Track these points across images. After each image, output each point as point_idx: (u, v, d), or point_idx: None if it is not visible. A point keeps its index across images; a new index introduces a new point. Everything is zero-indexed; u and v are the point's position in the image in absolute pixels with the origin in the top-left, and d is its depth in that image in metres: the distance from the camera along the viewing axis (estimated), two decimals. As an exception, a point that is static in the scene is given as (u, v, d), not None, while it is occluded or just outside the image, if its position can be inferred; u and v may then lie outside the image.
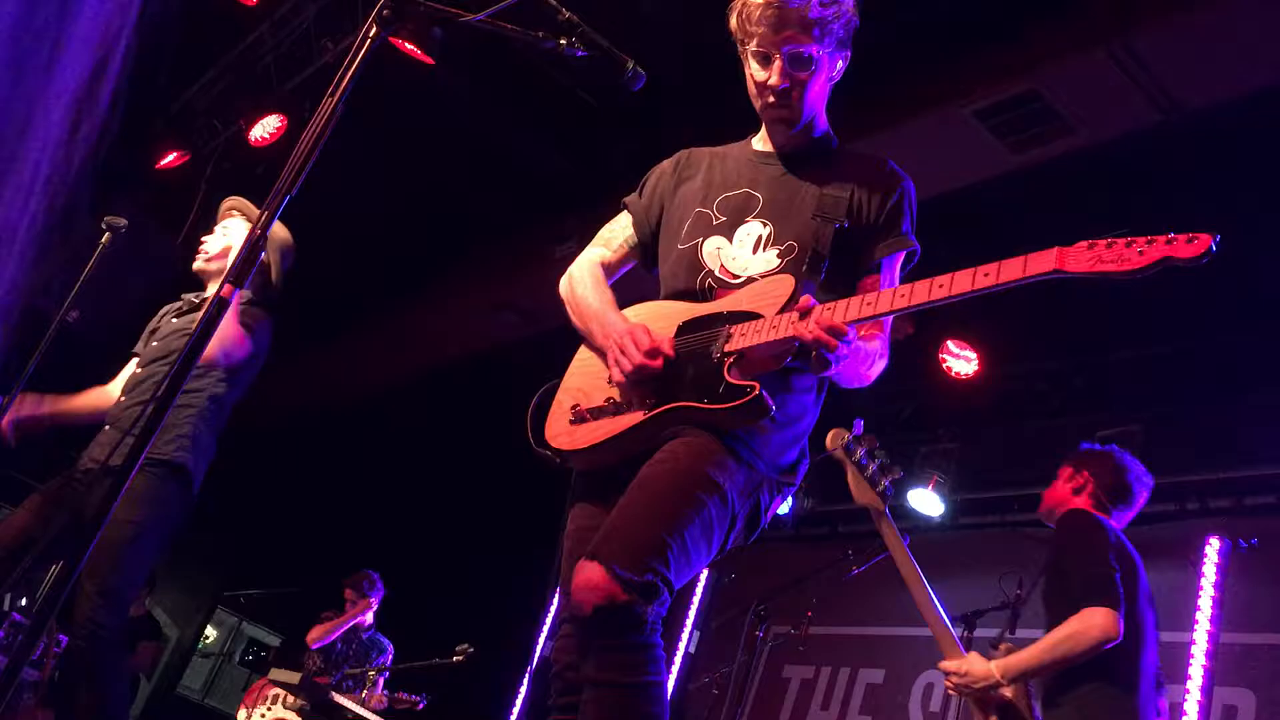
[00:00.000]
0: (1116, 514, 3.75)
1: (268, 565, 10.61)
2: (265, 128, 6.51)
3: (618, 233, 2.57)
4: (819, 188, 2.33)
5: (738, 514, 2.17)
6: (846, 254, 2.26)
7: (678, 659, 7.31)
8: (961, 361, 6.28)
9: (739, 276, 2.28)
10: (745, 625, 4.70)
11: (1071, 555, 3.52)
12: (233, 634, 12.07)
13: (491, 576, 8.41)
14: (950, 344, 6.32)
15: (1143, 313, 5.71)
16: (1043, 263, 1.83)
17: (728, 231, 2.34)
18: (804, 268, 2.23)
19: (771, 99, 2.33)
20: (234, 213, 4.02)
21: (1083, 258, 1.82)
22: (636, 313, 2.38)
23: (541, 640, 7.38)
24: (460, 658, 5.70)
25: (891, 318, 2.10)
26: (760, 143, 2.48)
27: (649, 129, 5.81)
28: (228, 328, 3.47)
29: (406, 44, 5.15)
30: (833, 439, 3.12)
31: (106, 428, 3.64)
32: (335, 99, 1.89)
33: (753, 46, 2.31)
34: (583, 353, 2.43)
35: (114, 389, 3.87)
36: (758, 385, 2.07)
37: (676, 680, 6.98)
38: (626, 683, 1.95)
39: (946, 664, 3.37)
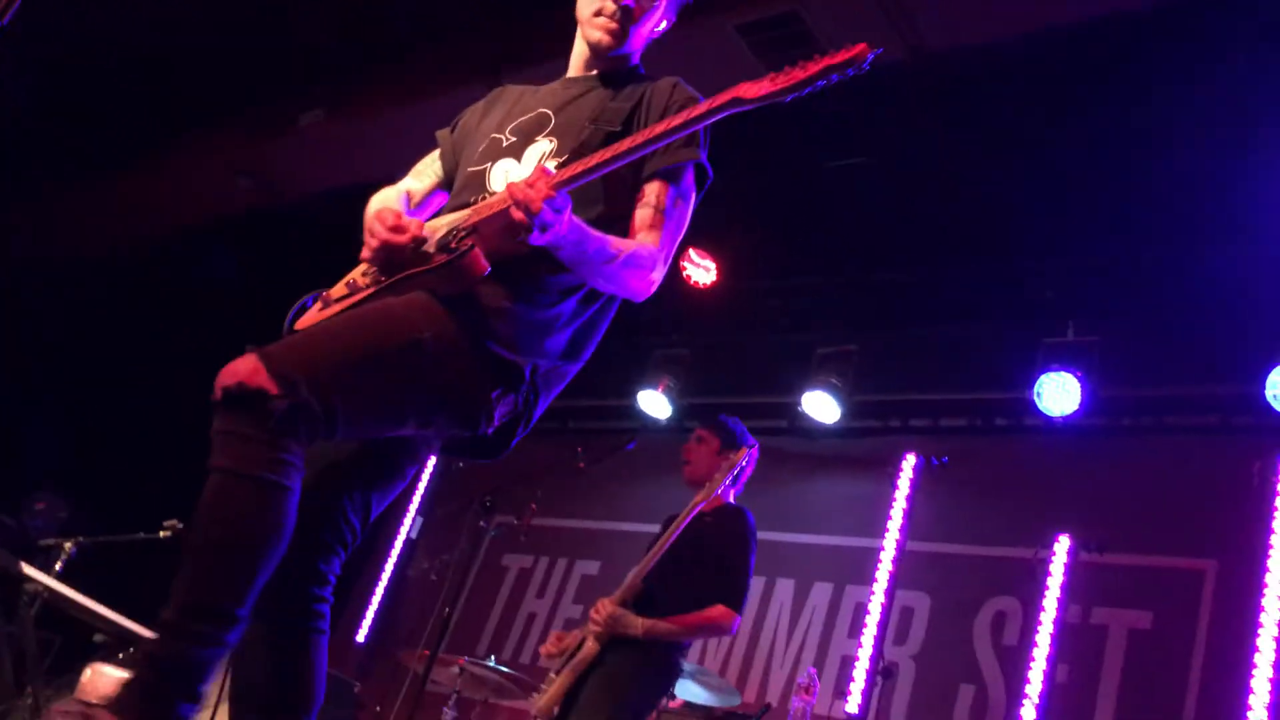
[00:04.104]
0: None
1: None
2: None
3: (426, 166, 2.50)
4: (610, 99, 2.31)
5: (447, 383, 2.04)
6: (631, 168, 2.18)
7: (398, 543, 7.29)
8: (701, 271, 6.44)
9: None
10: (469, 515, 4.74)
11: (731, 555, 3.95)
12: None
13: (203, 448, 8.06)
14: (692, 252, 6.47)
15: (874, 241, 6.03)
16: (723, 96, 1.92)
17: (517, 152, 2.29)
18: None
19: (607, 15, 2.31)
20: None
21: (761, 86, 1.88)
22: None
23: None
24: (168, 533, 5.46)
25: (674, 231, 2.15)
26: (571, 72, 2.45)
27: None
28: None
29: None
30: None
31: None
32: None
33: None
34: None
35: None
36: (472, 242, 2.01)
37: (395, 565, 6.98)
38: (242, 472, 1.82)
39: (604, 605, 3.84)
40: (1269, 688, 4.05)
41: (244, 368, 1.82)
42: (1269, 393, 4.96)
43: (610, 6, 2.31)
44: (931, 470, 5.17)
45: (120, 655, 4.72)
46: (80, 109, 6.80)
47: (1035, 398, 5.45)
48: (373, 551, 7.88)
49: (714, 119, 1.94)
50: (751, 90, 1.88)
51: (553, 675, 3.88)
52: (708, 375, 6.82)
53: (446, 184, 2.46)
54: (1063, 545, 4.66)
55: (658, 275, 2.22)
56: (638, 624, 3.79)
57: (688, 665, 4.15)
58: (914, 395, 6.35)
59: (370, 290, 2.13)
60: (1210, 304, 5.20)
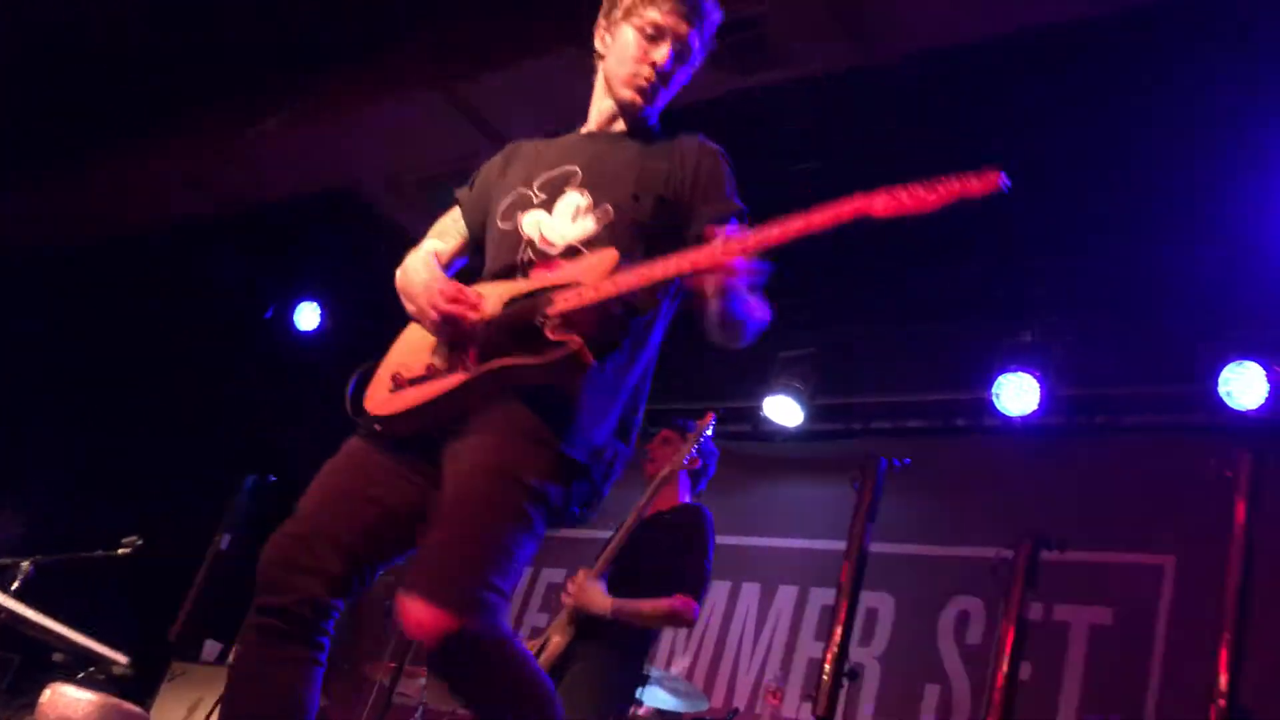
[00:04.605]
0: None
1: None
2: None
3: (450, 225, 2.55)
4: (640, 159, 2.37)
5: (552, 509, 2.15)
6: (668, 224, 2.29)
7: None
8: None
9: (557, 245, 2.29)
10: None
11: (695, 551, 4.02)
12: None
13: (161, 462, 7.94)
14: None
15: (832, 245, 6.04)
16: (852, 206, 1.97)
17: (548, 206, 2.34)
18: (624, 238, 2.25)
19: (644, 77, 2.39)
20: None
21: (888, 201, 1.94)
22: None
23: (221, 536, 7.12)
24: (127, 550, 5.38)
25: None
26: (588, 126, 2.53)
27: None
28: None
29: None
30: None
31: None
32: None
33: (650, 16, 2.38)
34: (406, 332, 2.40)
35: None
36: (577, 338, 2.07)
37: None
38: (504, 694, 2.03)
39: (577, 579, 3.91)
40: (1228, 680, 4.10)
41: (427, 618, 1.93)
42: (1222, 390, 5.04)
43: (648, 71, 2.39)
44: (893, 472, 5.20)
45: (80, 675, 4.66)
46: (30, 107, 6.69)
47: (994, 398, 5.50)
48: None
49: (835, 226, 1.99)
50: (880, 207, 1.94)
51: None
52: (668, 382, 6.80)
53: (472, 245, 2.52)
54: (1024, 544, 4.70)
55: None
56: (606, 602, 3.83)
57: (655, 671, 4.18)
58: (875, 398, 6.39)
59: (460, 379, 2.17)
60: (1165, 304, 5.27)
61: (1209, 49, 4.32)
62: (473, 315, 2.17)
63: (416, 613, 1.93)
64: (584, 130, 2.53)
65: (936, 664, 5.50)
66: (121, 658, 4.82)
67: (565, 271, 2.20)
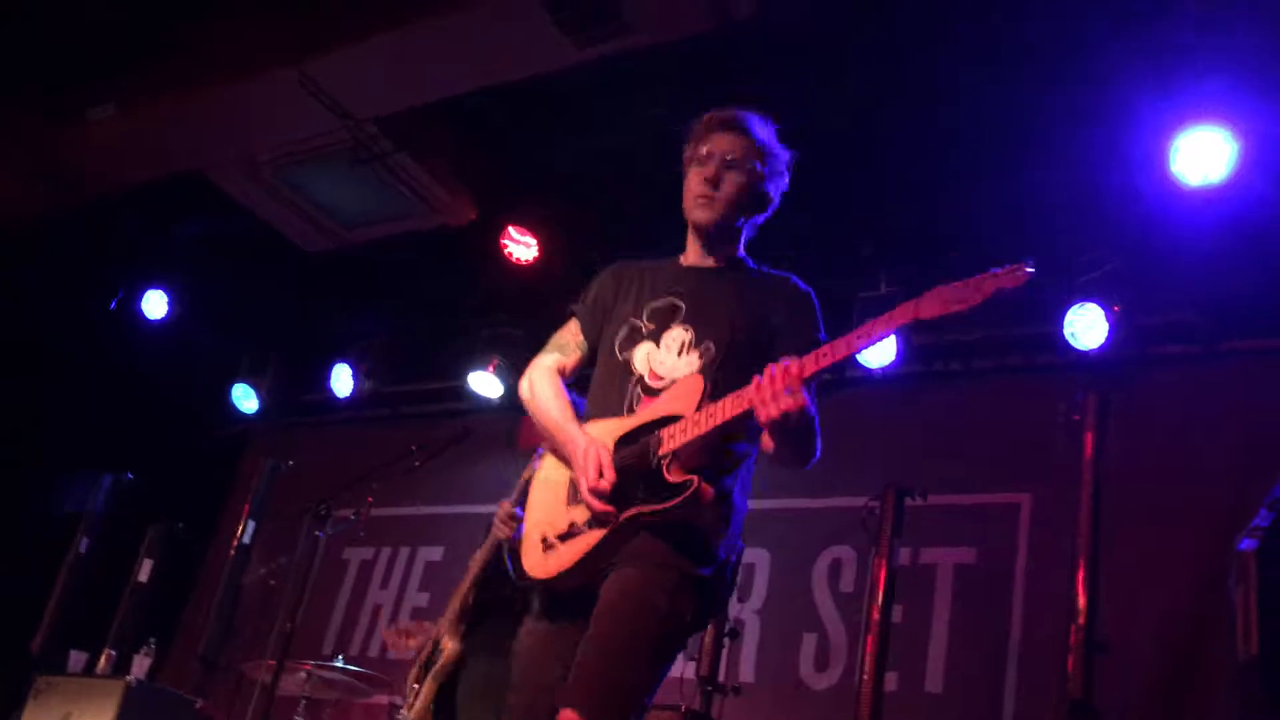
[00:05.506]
0: None
1: None
2: None
3: (569, 340, 2.77)
4: (737, 296, 2.60)
5: (686, 628, 2.43)
6: (761, 357, 2.44)
7: (232, 552, 7.01)
8: (521, 247, 6.41)
9: (665, 380, 2.54)
10: (306, 521, 4.63)
11: None
12: None
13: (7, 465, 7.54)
14: (511, 230, 6.42)
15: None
16: (903, 316, 2.24)
17: (656, 338, 2.60)
18: (718, 369, 2.49)
19: (698, 193, 2.63)
20: None
21: (934, 304, 2.21)
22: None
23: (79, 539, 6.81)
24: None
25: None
26: (690, 259, 2.74)
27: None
28: None
29: None
30: None
31: None
32: None
33: (698, 151, 2.66)
34: (536, 488, 2.63)
35: None
36: (696, 478, 2.34)
37: (229, 573, 6.75)
38: None
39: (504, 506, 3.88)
40: (1086, 604, 4.32)
41: None
42: (1067, 331, 5.27)
43: (700, 188, 2.62)
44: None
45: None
46: None
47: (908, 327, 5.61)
48: (205, 562, 7.61)
49: (892, 332, 2.28)
50: (927, 311, 2.22)
51: (415, 686, 3.82)
52: (537, 349, 6.78)
53: (590, 357, 2.75)
54: (889, 493, 4.85)
55: None
56: None
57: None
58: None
59: (603, 533, 2.42)
60: (1012, 248, 5.42)
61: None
62: (607, 486, 2.40)
63: None
64: (684, 262, 2.74)
65: (812, 613, 5.65)
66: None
67: (660, 404, 2.48)
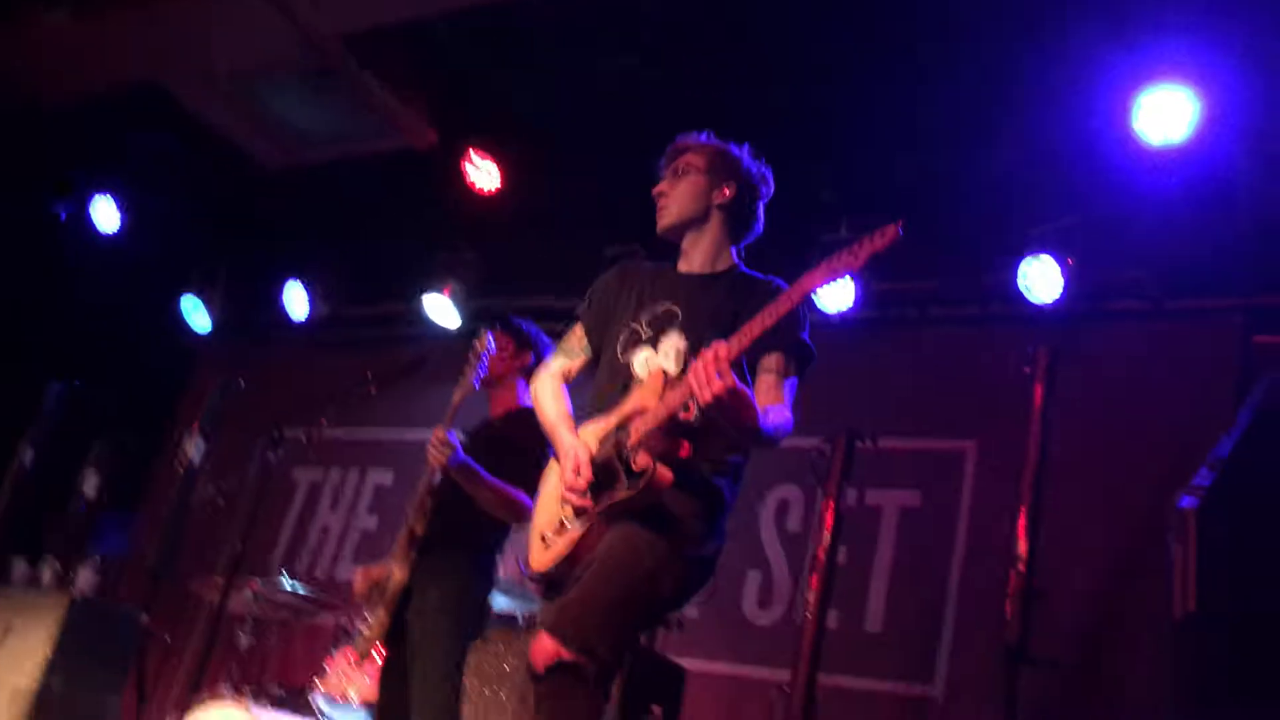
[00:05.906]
0: None
1: None
2: None
3: (574, 344, 2.99)
4: (724, 304, 2.78)
5: (670, 596, 2.64)
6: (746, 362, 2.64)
7: (181, 470, 6.96)
8: (484, 175, 6.34)
9: None
10: (259, 444, 4.61)
11: (527, 450, 3.68)
12: None
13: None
14: (473, 154, 6.33)
15: (650, 143, 6.05)
16: (804, 287, 2.47)
17: (654, 343, 2.78)
18: None
19: (659, 205, 2.98)
20: None
21: (821, 275, 2.41)
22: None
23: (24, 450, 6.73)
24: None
25: (791, 394, 2.75)
26: (693, 265, 2.93)
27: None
28: None
29: None
30: None
31: None
32: None
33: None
34: (542, 489, 2.84)
35: None
36: (652, 463, 2.50)
37: (178, 490, 6.70)
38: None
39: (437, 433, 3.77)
40: (1026, 548, 4.41)
41: (550, 648, 2.40)
42: (1020, 282, 5.33)
43: (658, 199, 2.95)
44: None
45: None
46: None
47: (812, 295, 5.64)
48: (154, 478, 7.56)
49: (795, 307, 2.50)
50: (816, 282, 2.44)
51: (368, 618, 3.80)
52: (495, 278, 6.76)
53: (595, 356, 2.94)
54: (839, 436, 4.90)
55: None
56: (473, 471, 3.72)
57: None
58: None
59: (586, 526, 2.63)
60: (970, 198, 5.47)
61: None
62: (583, 483, 2.60)
63: (547, 644, 2.40)
64: (681, 269, 2.93)
65: (758, 550, 5.73)
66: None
67: (632, 400, 2.66)
